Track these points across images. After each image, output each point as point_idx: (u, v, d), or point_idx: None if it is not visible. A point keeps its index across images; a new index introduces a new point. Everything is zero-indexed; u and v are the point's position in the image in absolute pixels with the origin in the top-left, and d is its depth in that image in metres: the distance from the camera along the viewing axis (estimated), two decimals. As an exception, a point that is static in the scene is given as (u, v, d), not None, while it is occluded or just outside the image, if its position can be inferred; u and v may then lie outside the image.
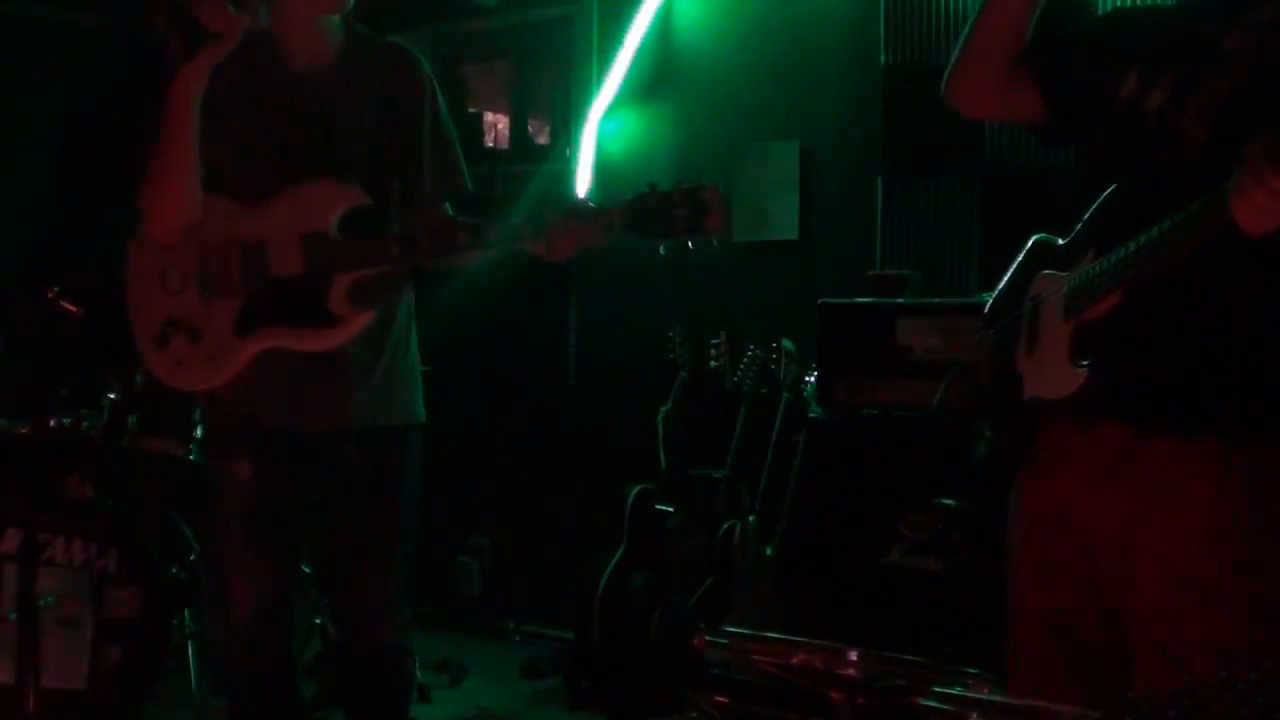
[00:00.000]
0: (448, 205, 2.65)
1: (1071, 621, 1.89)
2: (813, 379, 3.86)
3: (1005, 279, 2.07)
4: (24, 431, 3.71)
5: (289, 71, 2.52)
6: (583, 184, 4.98)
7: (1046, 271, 1.95)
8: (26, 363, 3.73)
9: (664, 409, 4.33)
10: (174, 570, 3.71)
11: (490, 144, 5.65)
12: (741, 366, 4.11)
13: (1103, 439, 1.82)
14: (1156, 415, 1.78)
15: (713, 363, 4.22)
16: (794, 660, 1.44)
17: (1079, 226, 1.90)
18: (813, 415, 3.81)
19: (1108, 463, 1.82)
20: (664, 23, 4.87)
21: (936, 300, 3.80)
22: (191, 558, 3.84)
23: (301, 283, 2.42)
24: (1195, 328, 1.76)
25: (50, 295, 3.41)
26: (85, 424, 3.77)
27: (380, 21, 2.70)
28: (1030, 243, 2.04)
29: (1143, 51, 1.88)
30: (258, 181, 2.48)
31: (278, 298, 2.44)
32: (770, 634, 1.66)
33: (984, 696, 1.29)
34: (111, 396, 3.80)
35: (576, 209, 2.36)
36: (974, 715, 1.23)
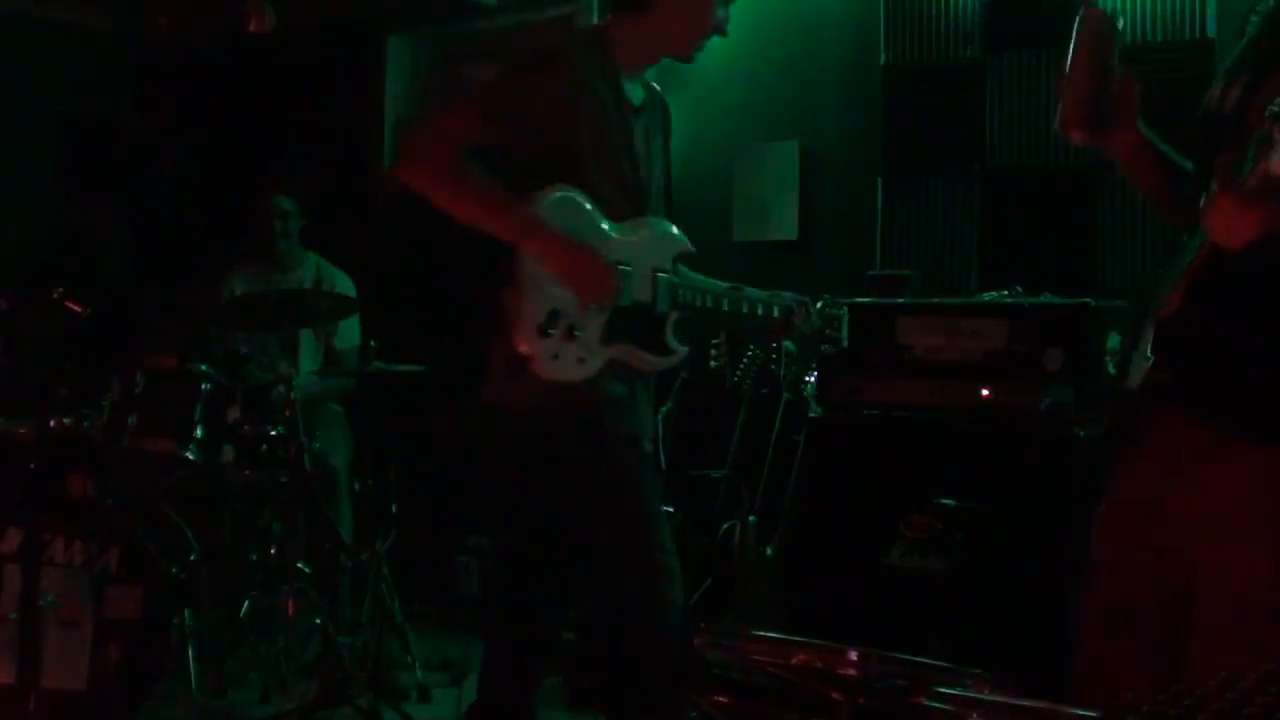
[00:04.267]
0: None
1: (1138, 611, 1.92)
2: (813, 379, 3.87)
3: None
4: (24, 431, 3.71)
5: (631, 108, 2.78)
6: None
7: None
8: (29, 363, 3.73)
9: (664, 409, 4.33)
10: (174, 570, 3.71)
11: (490, 144, 5.64)
12: (741, 366, 4.10)
13: (1185, 438, 1.86)
14: (1237, 420, 1.81)
15: (713, 363, 4.22)
16: (794, 660, 1.44)
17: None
18: (813, 415, 3.81)
19: (1186, 461, 1.85)
20: (664, 23, 4.86)
21: (936, 300, 3.79)
22: (192, 558, 3.84)
23: (647, 309, 2.70)
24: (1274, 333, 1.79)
25: (55, 296, 3.41)
26: (85, 424, 3.77)
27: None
28: None
29: (1232, 66, 1.95)
30: (614, 208, 2.71)
31: (632, 317, 2.68)
32: (770, 634, 1.66)
33: (984, 696, 1.29)
34: (112, 396, 3.80)
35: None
36: (974, 715, 1.23)
